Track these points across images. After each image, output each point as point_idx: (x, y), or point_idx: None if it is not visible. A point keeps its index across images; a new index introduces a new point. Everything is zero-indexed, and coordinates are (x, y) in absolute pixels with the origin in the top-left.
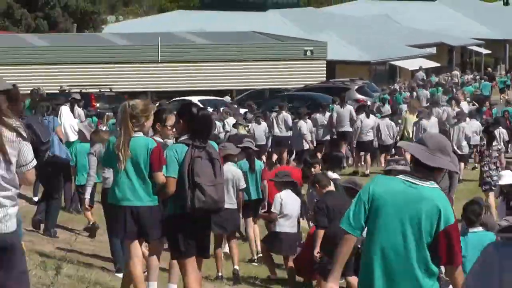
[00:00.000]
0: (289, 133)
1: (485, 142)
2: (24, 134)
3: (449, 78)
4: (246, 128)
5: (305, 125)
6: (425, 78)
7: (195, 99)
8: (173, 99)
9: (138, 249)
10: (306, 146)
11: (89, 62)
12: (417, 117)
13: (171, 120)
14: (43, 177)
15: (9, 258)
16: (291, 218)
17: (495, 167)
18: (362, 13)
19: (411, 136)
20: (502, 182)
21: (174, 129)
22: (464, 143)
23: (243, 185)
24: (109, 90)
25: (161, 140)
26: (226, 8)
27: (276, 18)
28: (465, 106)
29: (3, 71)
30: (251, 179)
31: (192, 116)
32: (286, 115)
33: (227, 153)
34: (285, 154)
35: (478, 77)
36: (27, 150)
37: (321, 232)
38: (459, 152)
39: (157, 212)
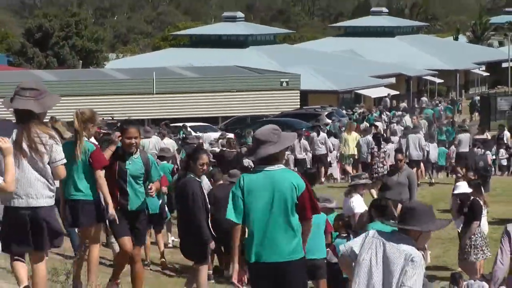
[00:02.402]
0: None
1: (375, 145)
2: (57, 139)
3: (420, 103)
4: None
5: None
6: (388, 104)
7: (186, 124)
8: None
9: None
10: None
11: (93, 94)
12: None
13: (202, 159)
14: None
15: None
16: None
17: (382, 165)
18: (331, 49)
19: (350, 152)
20: (457, 191)
21: (205, 168)
22: (417, 151)
23: None
24: (111, 118)
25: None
26: (211, 45)
27: (256, 53)
28: (423, 124)
29: None
30: None
31: None
32: (324, 135)
33: None
34: (323, 169)
35: (443, 102)
36: (57, 151)
37: None
38: (413, 159)
39: (88, 204)
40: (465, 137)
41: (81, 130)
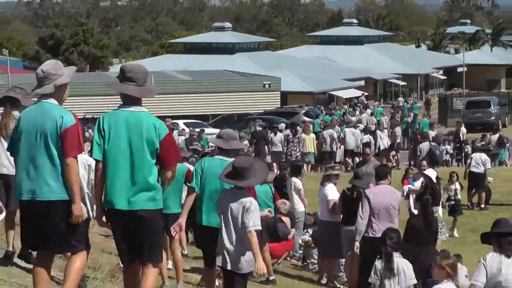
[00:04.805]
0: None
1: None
2: None
3: (396, 103)
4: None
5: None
6: (365, 102)
7: (180, 122)
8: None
9: None
10: None
11: (99, 94)
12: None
13: None
14: None
15: None
16: None
17: (296, 149)
18: (307, 55)
19: (307, 150)
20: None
21: None
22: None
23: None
24: None
25: None
26: (203, 52)
27: (242, 59)
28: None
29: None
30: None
31: None
32: (280, 135)
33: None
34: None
35: (411, 101)
36: None
37: None
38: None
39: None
40: (398, 130)
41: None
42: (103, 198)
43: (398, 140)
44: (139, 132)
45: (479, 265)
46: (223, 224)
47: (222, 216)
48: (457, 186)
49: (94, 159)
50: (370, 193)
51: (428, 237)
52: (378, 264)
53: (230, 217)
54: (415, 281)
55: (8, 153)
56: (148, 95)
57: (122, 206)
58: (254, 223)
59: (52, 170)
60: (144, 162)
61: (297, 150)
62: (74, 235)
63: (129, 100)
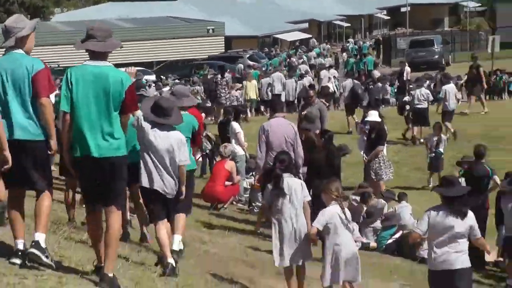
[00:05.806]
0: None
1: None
2: None
3: (346, 45)
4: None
5: None
6: (316, 43)
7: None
8: None
9: None
10: None
11: (41, 44)
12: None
13: None
14: None
15: None
16: None
17: (224, 91)
18: None
19: (249, 97)
20: (369, 118)
21: None
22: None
23: None
24: (57, 65)
25: None
26: None
27: (185, 5)
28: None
29: None
30: None
31: None
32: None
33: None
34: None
35: (360, 42)
36: None
37: None
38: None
39: None
40: (324, 72)
41: None
42: (71, 146)
43: (324, 83)
44: (106, 85)
45: (424, 216)
46: (151, 157)
47: (151, 149)
48: (443, 137)
49: (62, 111)
50: (268, 126)
51: (330, 172)
52: (269, 186)
53: (159, 150)
54: (309, 198)
55: None
56: (111, 48)
57: (92, 154)
58: (186, 157)
59: (24, 112)
60: (111, 113)
61: (226, 91)
62: (48, 173)
63: (94, 56)
